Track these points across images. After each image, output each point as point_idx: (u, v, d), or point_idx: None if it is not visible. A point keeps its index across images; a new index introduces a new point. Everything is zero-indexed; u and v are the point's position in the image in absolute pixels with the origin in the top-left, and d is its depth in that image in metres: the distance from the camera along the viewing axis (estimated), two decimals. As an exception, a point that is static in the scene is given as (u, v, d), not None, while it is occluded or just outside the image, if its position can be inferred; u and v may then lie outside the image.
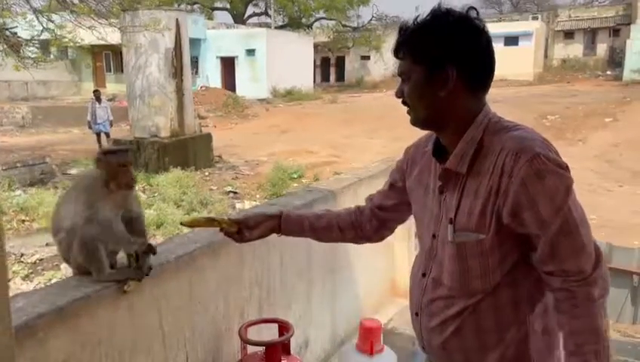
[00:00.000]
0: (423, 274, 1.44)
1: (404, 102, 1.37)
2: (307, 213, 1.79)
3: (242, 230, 1.69)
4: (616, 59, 33.21)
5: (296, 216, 1.74)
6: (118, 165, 1.73)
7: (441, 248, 1.38)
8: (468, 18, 1.29)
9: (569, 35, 36.84)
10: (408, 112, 1.37)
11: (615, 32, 34.81)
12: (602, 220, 7.95)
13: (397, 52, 1.35)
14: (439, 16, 1.30)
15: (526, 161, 1.20)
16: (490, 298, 1.31)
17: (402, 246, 3.89)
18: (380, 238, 1.77)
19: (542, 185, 1.19)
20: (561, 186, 1.21)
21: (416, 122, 1.37)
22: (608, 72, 32.79)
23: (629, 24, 31.47)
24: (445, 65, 1.27)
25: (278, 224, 1.71)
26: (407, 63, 1.33)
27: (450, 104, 1.30)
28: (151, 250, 1.75)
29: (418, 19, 1.32)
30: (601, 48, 35.68)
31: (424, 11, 1.31)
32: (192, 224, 1.71)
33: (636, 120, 16.48)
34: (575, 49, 36.36)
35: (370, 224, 1.70)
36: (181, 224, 1.72)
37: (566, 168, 1.23)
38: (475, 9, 1.31)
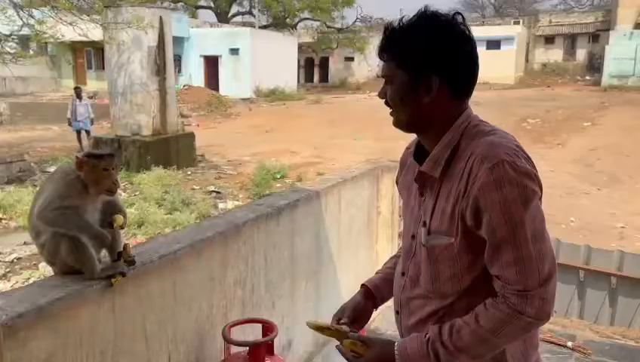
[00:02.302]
0: (403, 273, 1.45)
1: (386, 103, 1.35)
2: (385, 271, 1.64)
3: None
4: (595, 65, 33.82)
5: (380, 283, 1.61)
6: (103, 169, 1.62)
7: (419, 249, 1.38)
8: (454, 24, 1.26)
9: (549, 39, 37.48)
10: (391, 113, 1.36)
11: (594, 37, 35.49)
12: (581, 223, 8.10)
13: (381, 54, 1.32)
14: (425, 19, 1.26)
15: (488, 168, 1.19)
16: (463, 299, 1.31)
17: (385, 246, 3.91)
18: None
19: (498, 194, 1.18)
20: (518, 198, 1.18)
21: (398, 124, 1.36)
22: (587, 77, 33.40)
23: (607, 30, 32.03)
24: (429, 73, 1.25)
25: (374, 302, 1.60)
26: (391, 67, 1.30)
27: (433, 109, 1.29)
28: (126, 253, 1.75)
29: (403, 21, 1.27)
30: (581, 53, 36.37)
31: (408, 14, 1.27)
32: (317, 328, 1.54)
33: (614, 125, 16.79)
34: (555, 54, 37.02)
35: None
36: (307, 324, 1.55)
37: (533, 177, 1.21)
38: (462, 15, 1.28)
